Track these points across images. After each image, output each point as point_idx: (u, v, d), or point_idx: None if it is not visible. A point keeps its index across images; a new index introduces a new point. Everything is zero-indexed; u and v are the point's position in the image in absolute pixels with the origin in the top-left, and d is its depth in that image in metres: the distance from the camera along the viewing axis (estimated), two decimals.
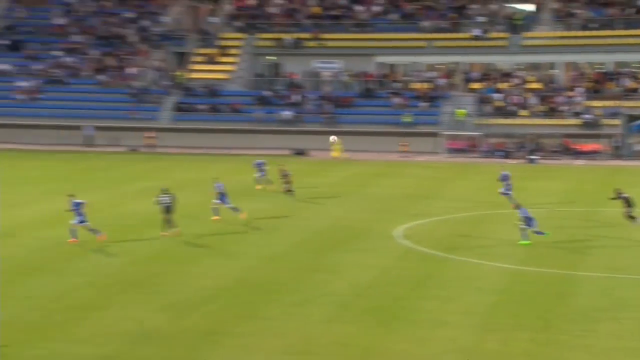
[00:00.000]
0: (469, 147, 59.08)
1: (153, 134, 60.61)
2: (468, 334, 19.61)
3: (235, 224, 32.61)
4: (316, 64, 67.26)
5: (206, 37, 69.44)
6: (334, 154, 57.02)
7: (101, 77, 66.84)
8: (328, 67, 66.98)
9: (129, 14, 71.84)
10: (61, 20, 71.47)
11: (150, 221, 31.58)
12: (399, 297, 22.75)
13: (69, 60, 68.30)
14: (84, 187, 41.39)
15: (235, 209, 32.92)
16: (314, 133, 60.58)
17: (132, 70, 67.10)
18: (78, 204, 28.54)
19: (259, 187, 40.81)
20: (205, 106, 64.32)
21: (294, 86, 66.12)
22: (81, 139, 61.25)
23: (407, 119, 61.24)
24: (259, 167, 41.42)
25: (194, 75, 67.09)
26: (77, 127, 61.58)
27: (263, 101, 64.56)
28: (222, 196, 32.99)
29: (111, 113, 63.51)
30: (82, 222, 28.46)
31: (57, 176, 46.38)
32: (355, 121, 62.09)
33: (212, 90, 65.38)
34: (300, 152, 58.29)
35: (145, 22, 71.04)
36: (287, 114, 63.06)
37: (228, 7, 72.12)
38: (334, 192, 41.64)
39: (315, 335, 19.56)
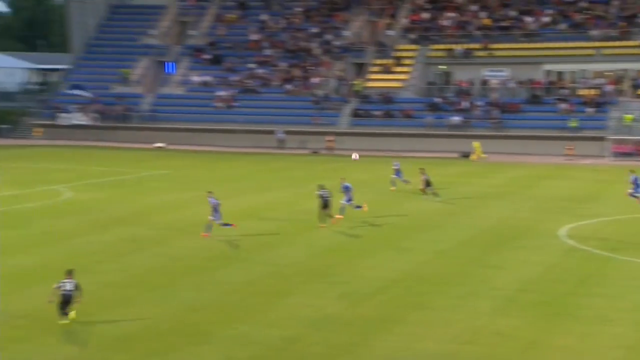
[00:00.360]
0: (636, 151, 56.21)
1: (332, 138, 61.44)
2: (633, 332, 18.58)
3: (407, 221, 32.52)
4: (485, 72, 66.06)
5: (383, 49, 69.67)
6: (474, 157, 56.08)
7: (288, 87, 68.46)
8: (496, 75, 65.62)
9: (314, 29, 73.15)
10: (255, 36, 73.74)
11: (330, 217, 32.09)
12: (563, 293, 21.89)
13: (260, 71, 70.40)
14: (272, 185, 42.66)
15: (342, 209, 32.02)
16: (481, 137, 59.53)
17: (316, 80, 68.32)
18: (214, 202, 28.72)
19: (393, 188, 39.69)
20: (380, 112, 64.55)
21: (463, 93, 65.18)
22: (275, 142, 62.97)
23: (573, 123, 58.99)
24: (397, 169, 40.37)
25: (371, 84, 67.47)
26: (271, 132, 63.41)
27: (434, 107, 64.05)
28: (347, 195, 32.38)
29: (296, 119, 64.90)
30: (217, 219, 28.63)
31: (250, 175, 47.88)
32: (521, 126, 60.54)
33: (386, 98, 65.52)
34: (467, 155, 57.38)
35: (329, 36, 72.11)
36: (456, 119, 62.28)
37: (404, 21, 72.04)
38: (500, 192, 40.65)
39: (480, 326, 19.15)
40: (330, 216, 30.90)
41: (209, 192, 29.43)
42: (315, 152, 60.57)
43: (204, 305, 20.82)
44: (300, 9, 75.56)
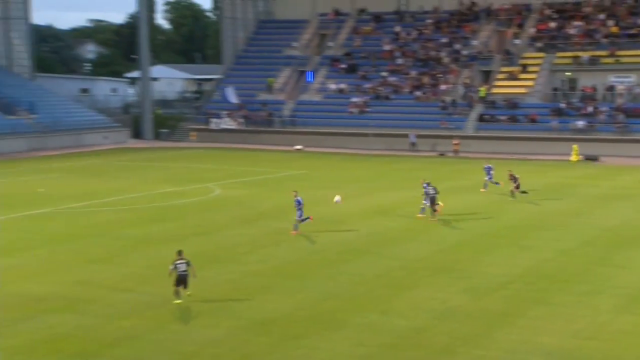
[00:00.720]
0: None
1: (458, 141, 60.48)
2: None
3: (530, 220, 31.56)
4: (611, 78, 63.15)
5: (509, 57, 67.90)
6: (572, 158, 53.57)
7: (418, 93, 67.91)
8: (622, 81, 62.61)
9: (444, 39, 72.24)
10: (388, 47, 73.56)
11: (455, 215, 31.62)
12: None
13: (392, 79, 70.18)
14: (401, 185, 42.34)
15: (429, 207, 31.61)
16: (605, 141, 57.03)
17: (444, 87, 67.47)
18: (299, 202, 28.60)
19: (483, 190, 38.25)
20: (505, 117, 62.97)
21: (587, 99, 62.57)
22: (407, 145, 62.70)
23: None
24: (488, 171, 38.76)
25: (496, 90, 65.92)
26: (403, 135, 63.20)
27: (558, 112, 61.81)
28: (427, 195, 31.78)
29: (425, 123, 64.26)
30: (300, 216, 28.60)
31: (381, 175, 47.74)
32: None
33: (512, 103, 63.81)
34: (592, 158, 55.01)
35: (458, 46, 71.01)
36: (580, 123, 59.86)
37: (531, 30, 69.95)
38: (625, 194, 38.68)
39: (603, 323, 18.31)
40: (435, 211, 31.15)
41: (295, 191, 29.52)
42: (442, 155, 59.84)
43: (336, 295, 20.94)
44: (431, 21, 74.83)
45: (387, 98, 68.72)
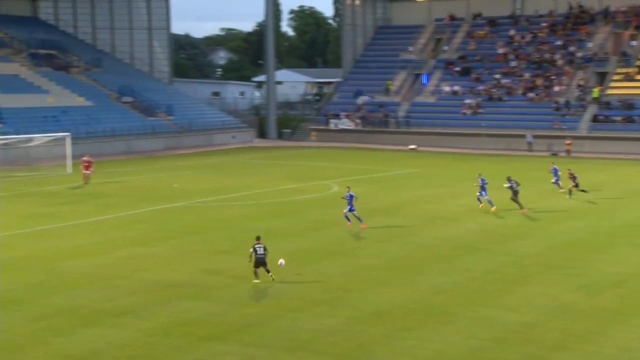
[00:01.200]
0: None
1: (570, 141, 58.15)
2: None
3: None
4: None
5: (626, 59, 64.63)
6: None
7: (531, 95, 65.78)
8: None
9: (558, 42, 69.66)
10: (502, 50, 71.71)
11: (567, 213, 30.36)
12: None
13: (505, 81, 68.32)
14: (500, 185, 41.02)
15: (489, 202, 31.68)
16: None
17: (557, 88, 64.99)
18: (351, 196, 28.40)
19: (563, 190, 36.36)
20: (619, 118, 59.95)
21: None
22: (525, 145, 60.94)
23: None
24: (555, 172, 36.95)
25: (611, 91, 62.89)
26: (518, 135, 61.43)
27: None
28: (483, 189, 31.72)
29: (537, 124, 62.20)
30: (351, 210, 28.37)
31: (490, 175, 46.33)
32: None
33: (627, 104, 60.68)
34: None
35: (572, 48, 68.29)
36: None
37: None
38: None
39: None
40: (520, 205, 30.98)
41: (348, 187, 29.49)
42: (554, 154, 57.66)
43: (448, 289, 20.52)
44: (545, 24, 72.31)
45: (500, 99, 66.97)
